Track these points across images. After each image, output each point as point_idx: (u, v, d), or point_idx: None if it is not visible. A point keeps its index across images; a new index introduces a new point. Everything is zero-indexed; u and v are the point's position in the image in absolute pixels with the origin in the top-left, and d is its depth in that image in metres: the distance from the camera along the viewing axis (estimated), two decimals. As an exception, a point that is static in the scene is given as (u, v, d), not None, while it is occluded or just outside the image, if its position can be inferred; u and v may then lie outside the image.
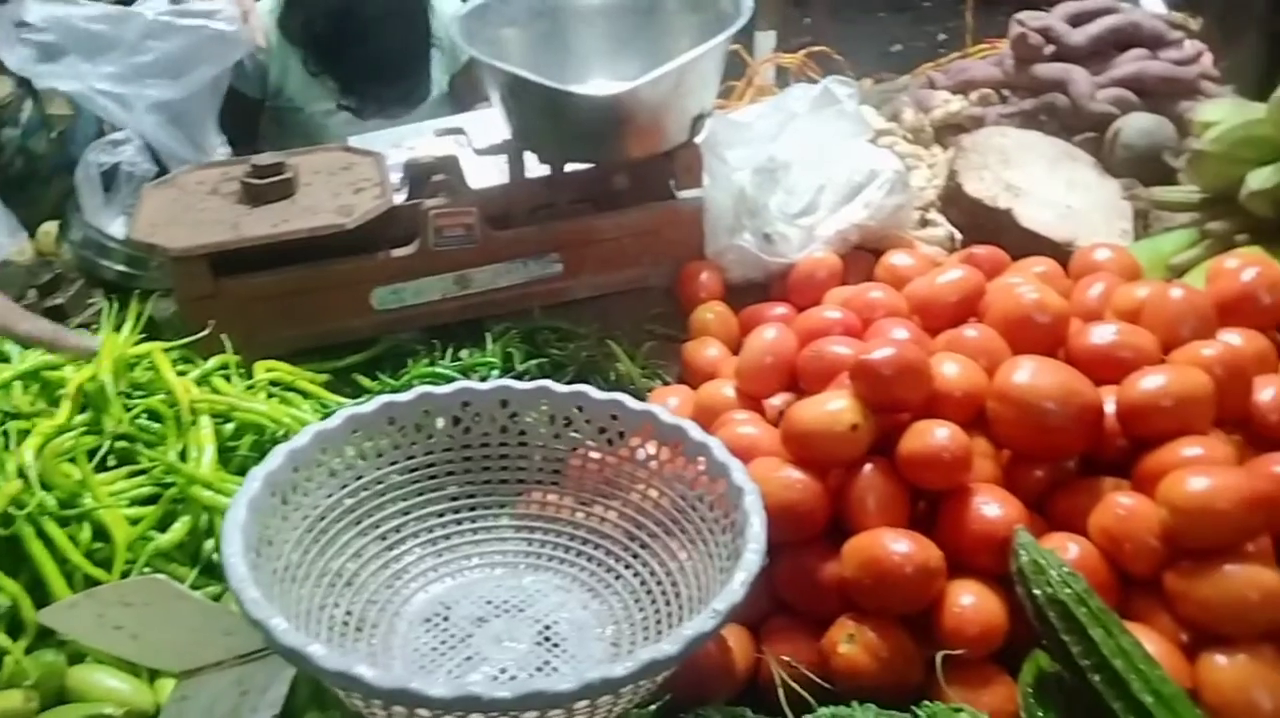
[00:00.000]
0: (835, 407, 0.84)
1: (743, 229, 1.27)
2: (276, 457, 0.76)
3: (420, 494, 0.85)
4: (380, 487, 0.84)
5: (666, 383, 1.16)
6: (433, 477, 0.87)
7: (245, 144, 1.79)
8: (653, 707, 0.72)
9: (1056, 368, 0.84)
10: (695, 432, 0.82)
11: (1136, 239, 1.24)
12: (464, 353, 1.14)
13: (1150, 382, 0.82)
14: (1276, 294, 0.94)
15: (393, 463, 0.84)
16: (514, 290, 1.26)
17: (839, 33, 1.70)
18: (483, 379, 1.09)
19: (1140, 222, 1.27)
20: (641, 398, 1.08)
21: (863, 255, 1.26)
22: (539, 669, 0.76)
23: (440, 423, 0.86)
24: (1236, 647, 0.71)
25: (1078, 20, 1.43)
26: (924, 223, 1.36)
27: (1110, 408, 0.84)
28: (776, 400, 1.01)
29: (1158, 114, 1.36)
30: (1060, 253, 1.17)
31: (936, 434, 0.80)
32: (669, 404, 1.04)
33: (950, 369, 0.87)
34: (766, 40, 1.69)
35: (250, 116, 1.95)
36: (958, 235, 1.31)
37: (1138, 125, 1.34)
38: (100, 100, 1.51)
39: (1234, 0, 1.86)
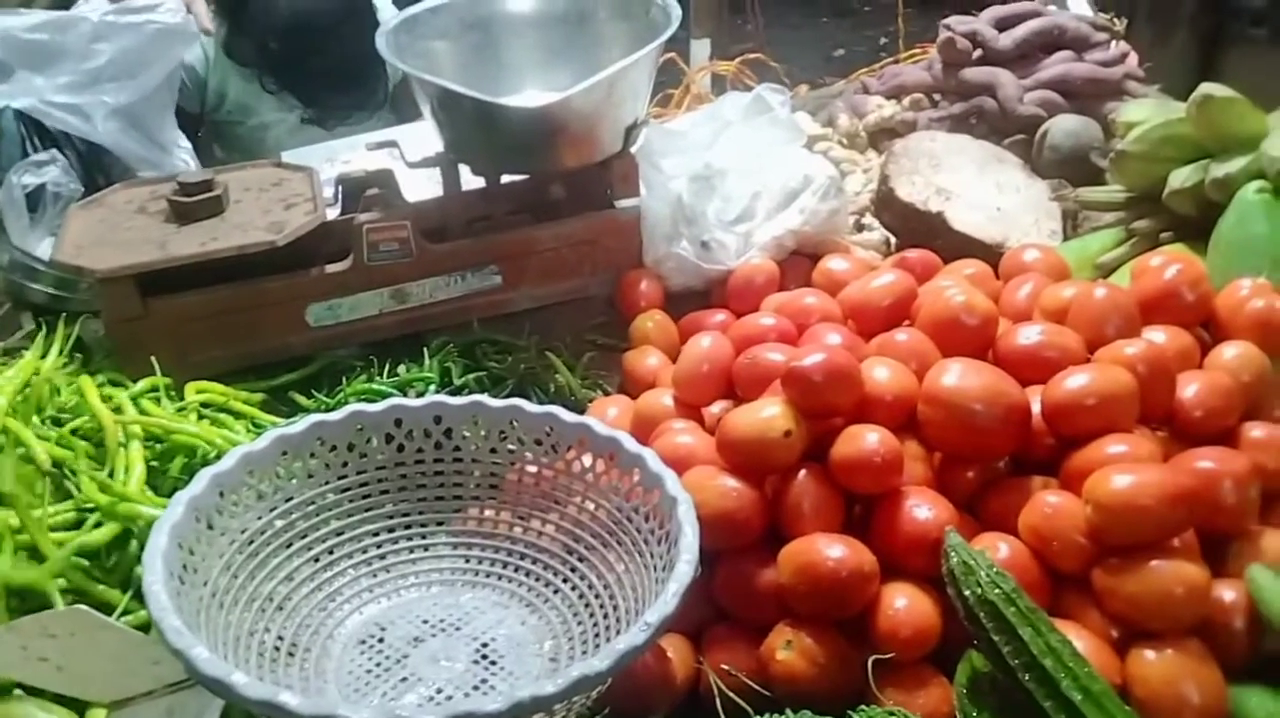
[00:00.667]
0: (768, 414, 0.84)
1: (681, 237, 1.28)
2: (200, 481, 0.75)
3: (354, 514, 0.85)
4: (312, 508, 0.83)
5: (608, 393, 1.16)
6: (367, 496, 0.87)
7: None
8: (592, 721, 0.72)
9: (983, 370, 0.85)
10: (630, 443, 0.81)
11: (1065, 239, 1.26)
12: (401, 368, 1.13)
13: (1074, 381, 0.83)
14: (1198, 291, 0.96)
15: (325, 483, 0.83)
16: (452, 304, 1.25)
17: (780, 38, 1.71)
18: (420, 395, 1.09)
19: (1069, 222, 1.29)
20: (582, 409, 1.08)
21: (800, 260, 1.27)
22: (476, 688, 0.75)
23: (373, 441, 0.85)
24: (1164, 642, 0.72)
25: (1004, 24, 1.45)
26: (859, 227, 1.37)
27: (1037, 408, 0.86)
28: (715, 408, 1.02)
29: (1084, 115, 1.38)
30: (991, 254, 1.19)
31: (867, 439, 0.81)
32: (608, 415, 1.04)
33: (881, 373, 0.88)
34: (703, 48, 1.70)
35: (188, 131, 1.92)
36: (893, 239, 1.33)
37: (1064, 127, 1.37)
38: (57, 114, 1.45)
39: (1160, 1, 1.89)
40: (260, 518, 0.79)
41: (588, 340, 1.25)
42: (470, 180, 1.29)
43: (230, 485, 0.76)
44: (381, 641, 0.79)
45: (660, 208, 1.28)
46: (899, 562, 0.80)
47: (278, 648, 0.75)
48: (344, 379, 1.15)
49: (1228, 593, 0.75)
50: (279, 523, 0.80)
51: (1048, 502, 0.78)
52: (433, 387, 1.09)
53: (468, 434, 0.88)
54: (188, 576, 0.70)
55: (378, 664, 0.77)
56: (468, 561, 0.86)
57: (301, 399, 1.14)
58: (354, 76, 1.78)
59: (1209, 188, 1.09)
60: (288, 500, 0.81)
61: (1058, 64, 1.42)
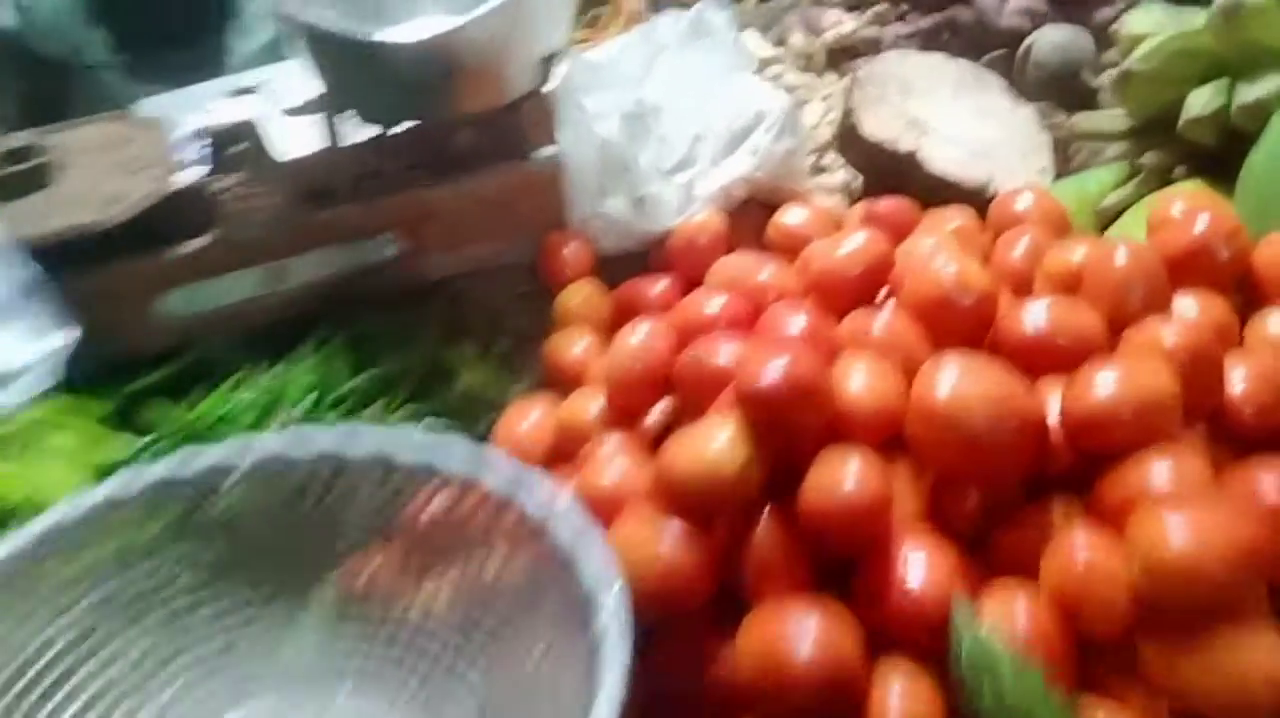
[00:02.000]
0: (718, 444, 0.66)
1: (611, 191, 1.08)
2: None
3: (175, 599, 0.66)
4: (111, 608, 0.63)
5: (529, 384, 0.97)
6: (194, 577, 0.67)
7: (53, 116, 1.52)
8: None
9: (988, 371, 0.67)
10: (532, 503, 0.63)
11: (1057, 177, 1.07)
12: (281, 367, 0.93)
13: (1103, 386, 0.66)
14: (1235, 246, 0.79)
15: (109, 579, 0.63)
16: (343, 281, 1.05)
17: None
18: (294, 405, 0.90)
19: (1060, 155, 1.11)
20: (495, 413, 0.90)
21: (752, 211, 1.08)
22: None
23: (214, 507, 0.66)
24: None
25: (978, -82, 1.24)
26: (818, 168, 1.18)
27: (1054, 412, 0.68)
28: (656, 413, 0.84)
29: (1071, 25, 1.19)
30: (974, 198, 1.00)
31: (845, 483, 0.63)
32: (521, 427, 0.86)
33: (857, 381, 0.69)
34: (635, -42, 1.48)
35: (54, 79, 1.66)
36: (856, 181, 1.14)
37: (1051, 40, 1.17)
38: None
39: None
40: (42, 630, 0.59)
41: (505, 322, 1.05)
42: (359, 131, 1.08)
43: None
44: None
45: (585, 157, 1.08)
46: (892, 634, 0.63)
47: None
48: (219, 377, 0.96)
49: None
50: (63, 638, 0.60)
51: (1079, 557, 0.61)
52: (312, 395, 0.89)
53: (350, 487, 0.69)
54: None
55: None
56: (343, 650, 0.68)
57: (155, 412, 0.94)
58: (179, 31, 1.52)
59: (1236, 114, 0.90)
60: (76, 603, 0.61)
61: (1042, -35, 1.22)
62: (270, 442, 0.67)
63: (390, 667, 0.66)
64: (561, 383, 0.93)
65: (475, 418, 0.90)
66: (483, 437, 0.88)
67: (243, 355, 0.98)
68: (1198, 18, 0.95)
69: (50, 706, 0.59)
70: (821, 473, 0.64)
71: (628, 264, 1.07)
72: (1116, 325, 0.74)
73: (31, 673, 0.58)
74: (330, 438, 0.68)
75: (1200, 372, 0.69)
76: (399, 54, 0.92)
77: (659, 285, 1.01)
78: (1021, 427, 0.66)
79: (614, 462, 0.73)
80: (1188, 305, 0.76)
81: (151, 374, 0.98)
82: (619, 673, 0.52)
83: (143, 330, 0.99)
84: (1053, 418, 0.68)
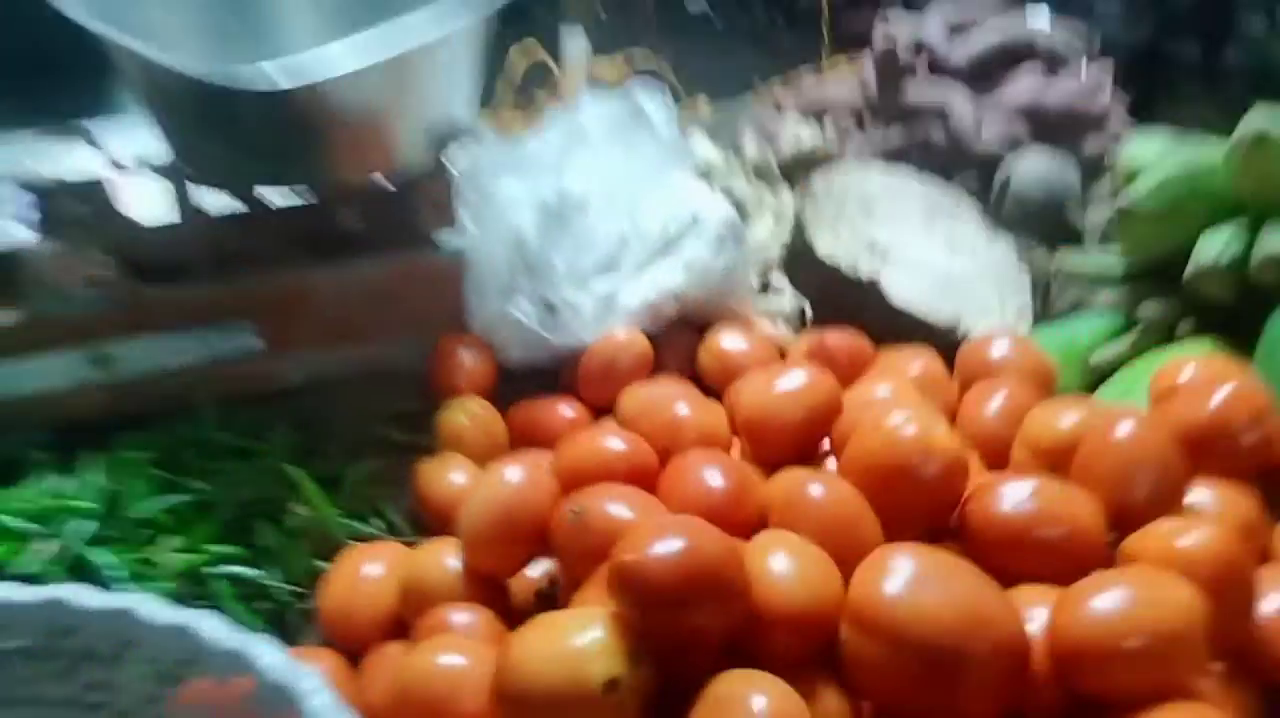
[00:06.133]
0: (582, 644, 0.48)
1: (519, 293, 0.91)
2: None
3: None
4: None
5: (391, 524, 0.78)
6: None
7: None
8: None
9: (954, 571, 0.50)
10: (319, 705, 0.44)
11: (1038, 321, 0.93)
12: (53, 482, 0.74)
13: (1107, 608, 0.49)
14: (1263, 429, 0.63)
15: None
16: (186, 375, 0.87)
17: (691, 66, 1.37)
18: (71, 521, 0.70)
19: (1041, 295, 0.96)
20: (330, 561, 0.71)
21: (682, 334, 0.92)
22: None
23: None
24: None
25: (956, 30, 1.12)
26: (765, 287, 1.02)
27: (1038, 633, 0.51)
28: (535, 571, 0.66)
29: (1054, 152, 1.06)
30: (941, 340, 0.85)
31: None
32: (362, 577, 0.67)
33: (781, 567, 0.52)
34: (575, 36, 1.34)
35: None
36: (807, 307, 0.98)
37: (1033, 170, 1.04)
38: None
39: (1127, 17, 1.57)
40: None
41: (377, 437, 0.87)
42: (230, 202, 0.91)
43: None
44: None
45: (492, 251, 0.92)
46: None
47: None
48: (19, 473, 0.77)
49: None
50: None
51: None
52: (92, 522, 0.69)
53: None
54: None
55: None
56: None
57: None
58: (58, 65, 1.35)
59: (1256, 265, 0.76)
60: None
61: (1026, 86, 1.09)
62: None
63: None
64: (431, 517, 0.75)
65: (303, 566, 0.71)
66: (302, 592, 0.70)
67: (58, 452, 0.79)
68: (1208, 148, 0.82)
69: None
70: (719, 705, 0.45)
71: (533, 382, 0.90)
72: (1117, 518, 0.57)
73: None
74: (53, 603, 0.48)
75: (1227, 593, 0.52)
76: (255, 102, 0.75)
77: (565, 411, 0.84)
78: (995, 651, 0.48)
79: (455, 649, 0.55)
80: (1207, 498, 0.60)
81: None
82: None
83: (-77, 415, 0.81)
84: (1036, 640, 0.51)
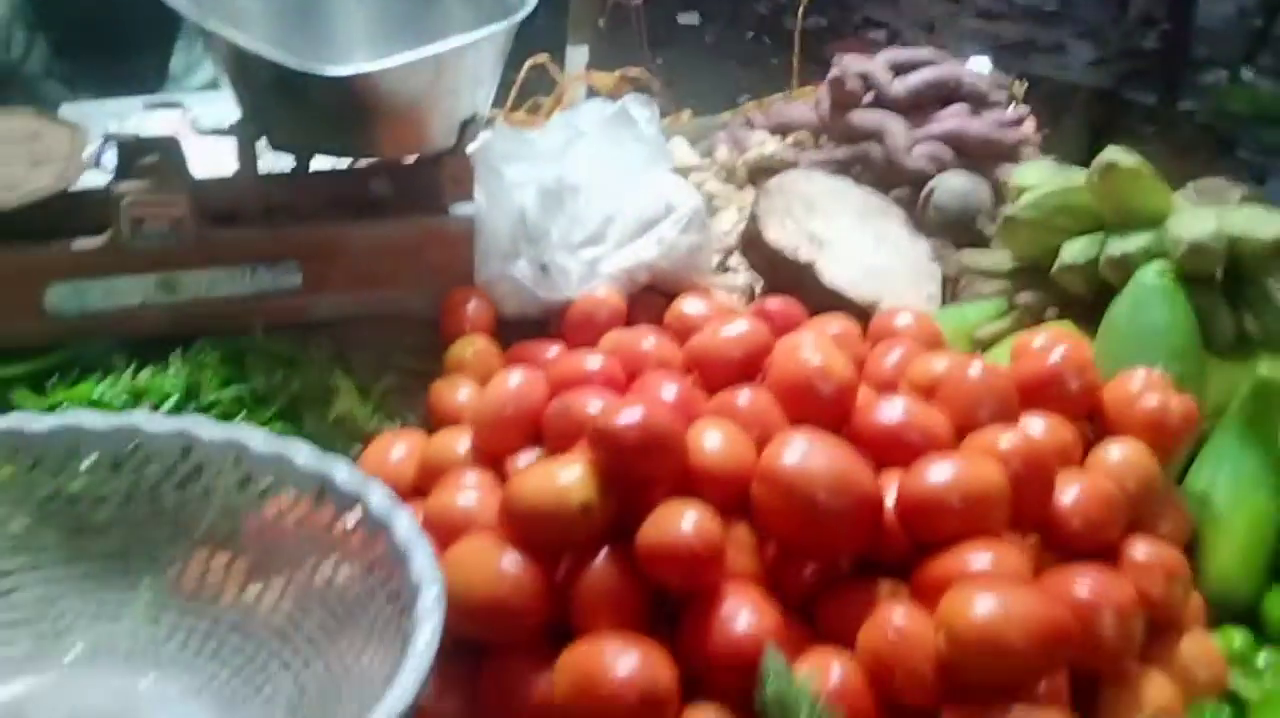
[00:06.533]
0: (565, 480, 0.67)
1: (519, 256, 1.10)
2: None
3: (4, 559, 0.64)
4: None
5: (406, 425, 0.97)
6: (48, 533, 0.66)
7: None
8: None
9: (833, 449, 0.70)
10: (379, 499, 0.63)
11: (944, 306, 1.13)
12: (145, 373, 0.92)
13: (937, 474, 0.69)
14: (1085, 379, 0.84)
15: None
16: (238, 303, 1.05)
17: (684, 79, 1.57)
18: (156, 408, 0.88)
19: (949, 288, 1.17)
20: (366, 443, 0.89)
21: (653, 298, 1.11)
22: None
23: (44, 464, 0.65)
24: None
25: (900, 69, 1.34)
26: (725, 268, 1.23)
27: (892, 499, 0.71)
28: (521, 460, 0.85)
29: (975, 174, 1.27)
30: (863, 314, 1.05)
31: (682, 524, 0.64)
32: (391, 456, 0.86)
33: (712, 441, 0.72)
34: (579, 55, 1.54)
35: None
36: (759, 283, 1.18)
37: (951, 186, 1.25)
38: None
39: (1059, 84, 1.81)
40: None
41: (396, 364, 1.06)
42: (279, 165, 1.10)
43: None
44: (6, 737, 0.58)
45: (499, 220, 1.11)
46: (709, 678, 0.64)
47: None
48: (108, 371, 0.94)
49: (1097, 753, 0.61)
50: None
51: (893, 624, 0.63)
52: (173, 399, 0.88)
53: (198, 471, 0.68)
54: None
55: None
56: (163, 632, 0.66)
57: (25, 399, 0.92)
58: (123, 44, 1.54)
59: (1104, 266, 0.97)
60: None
61: (952, 118, 1.30)
62: (123, 415, 0.67)
63: (203, 658, 0.65)
64: (440, 425, 0.93)
65: (343, 448, 0.89)
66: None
67: (121, 361, 0.97)
68: (1079, 174, 1.03)
69: None
70: (662, 514, 0.65)
71: (525, 330, 1.09)
72: (963, 432, 0.77)
73: None
74: (184, 420, 0.67)
75: (1032, 478, 0.72)
76: (322, 84, 0.94)
77: (551, 351, 1.03)
78: (859, 503, 0.68)
79: (468, 490, 0.74)
80: (1033, 423, 0.80)
81: (26, 363, 0.96)
82: (422, 663, 0.51)
83: (23, 320, 0.98)
84: (890, 504, 0.71)
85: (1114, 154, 0.97)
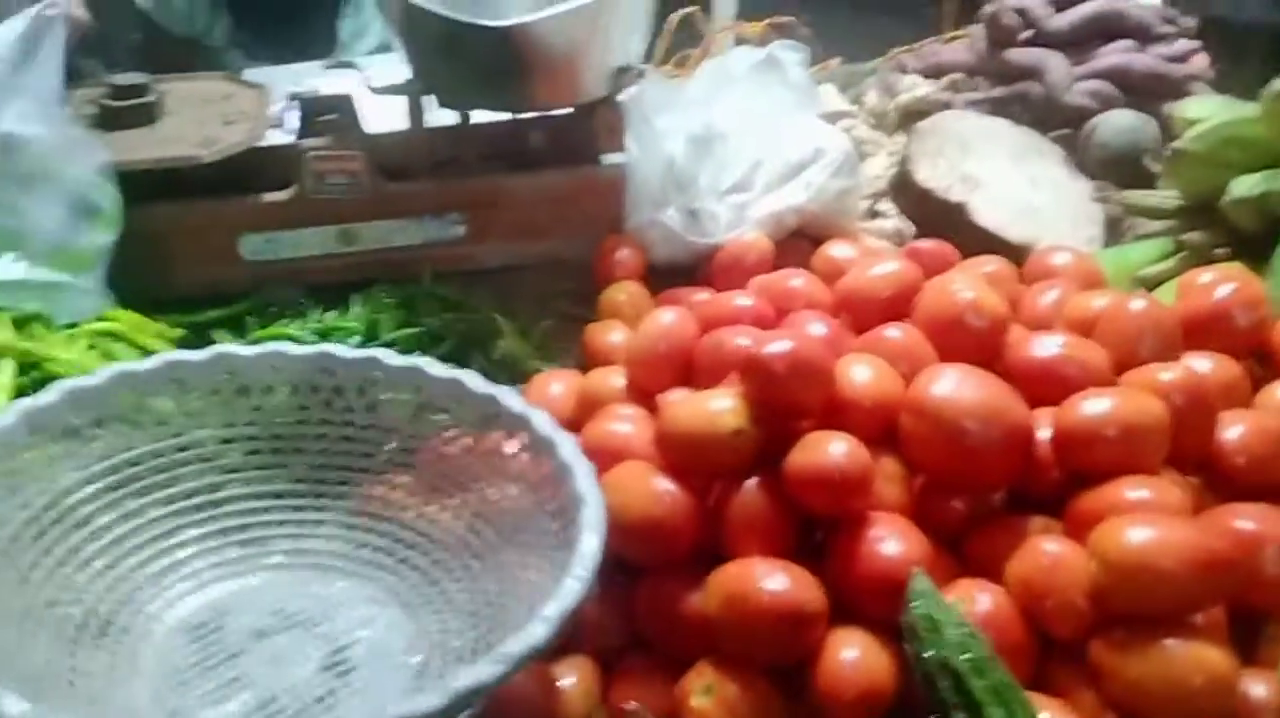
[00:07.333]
0: (718, 407, 0.70)
1: (669, 204, 1.13)
2: (7, 415, 0.61)
3: (217, 473, 0.71)
4: (161, 460, 0.69)
5: (563, 367, 1.02)
6: (237, 454, 0.73)
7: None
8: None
9: (984, 381, 0.70)
10: (543, 423, 0.67)
11: (1105, 247, 1.10)
12: (330, 315, 0.99)
13: (1094, 406, 0.68)
14: (1254, 316, 0.81)
15: (179, 434, 0.70)
16: (409, 252, 1.11)
17: (828, 30, 1.55)
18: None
19: (1112, 229, 1.13)
20: (526, 381, 0.94)
21: (800, 243, 1.12)
22: (318, 701, 0.62)
23: (250, 391, 0.72)
24: (1170, 739, 0.58)
25: (1060, 4, 1.29)
26: (874, 214, 1.22)
27: (1046, 434, 0.71)
28: (674, 397, 0.88)
29: (1140, 113, 1.22)
30: (1018, 255, 1.03)
31: (831, 449, 0.66)
32: (550, 391, 0.90)
33: (860, 373, 0.73)
34: (727, 5, 1.54)
35: (181, 57, 1.80)
36: (909, 230, 1.17)
37: (1116, 123, 1.21)
38: None
39: (1232, 18, 1.70)
40: (87, 467, 0.66)
41: (552, 308, 1.10)
42: (444, 121, 1.16)
43: (47, 423, 0.63)
44: (219, 629, 0.66)
45: (649, 169, 1.13)
46: (856, 603, 0.65)
47: (85, 626, 0.62)
48: (277, 321, 1.02)
49: (1258, 687, 0.60)
50: (113, 474, 0.67)
51: (1045, 550, 0.64)
52: (356, 338, 0.95)
53: (384, 397, 0.74)
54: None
55: (205, 658, 0.63)
56: (352, 544, 0.73)
57: (224, 339, 1.01)
58: (293, 14, 1.64)
59: (1278, 200, 0.93)
60: (129, 448, 0.68)
61: (1116, 53, 1.26)
62: (318, 346, 0.73)
63: (386, 571, 0.71)
64: (594, 365, 0.97)
65: (507, 383, 0.94)
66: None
67: (303, 307, 1.05)
68: (1251, 106, 0.98)
69: (77, 536, 0.64)
70: (812, 441, 0.67)
71: (674, 276, 1.12)
72: (1122, 369, 0.76)
73: (61, 506, 0.64)
74: (371, 350, 0.73)
75: (1194, 414, 0.71)
76: (484, 37, 0.99)
77: (700, 295, 1.05)
78: (1009, 434, 0.68)
79: (623, 421, 0.77)
80: (1198, 362, 0.78)
81: (221, 308, 1.05)
82: (588, 566, 0.55)
83: (220, 267, 1.07)
84: (1045, 437, 0.70)
85: (1290, 81, 0.92)
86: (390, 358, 0.72)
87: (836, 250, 1.06)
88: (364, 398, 0.73)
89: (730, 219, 1.11)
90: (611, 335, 1.00)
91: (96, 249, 0.91)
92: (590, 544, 0.58)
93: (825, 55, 1.58)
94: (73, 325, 0.94)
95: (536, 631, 0.53)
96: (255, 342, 0.91)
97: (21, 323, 0.92)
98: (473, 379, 0.71)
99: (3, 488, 0.61)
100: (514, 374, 0.97)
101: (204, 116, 1.08)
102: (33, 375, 0.88)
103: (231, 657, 0.64)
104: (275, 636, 0.65)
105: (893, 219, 1.20)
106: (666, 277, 1.13)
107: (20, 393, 0.85)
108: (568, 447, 0.65)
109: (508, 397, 0.70)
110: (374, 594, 0.69)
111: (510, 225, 1.13)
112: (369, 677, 0.63)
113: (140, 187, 1.00)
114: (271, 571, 0.70)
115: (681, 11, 1.49)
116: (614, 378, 0.88)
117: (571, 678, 0.67)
